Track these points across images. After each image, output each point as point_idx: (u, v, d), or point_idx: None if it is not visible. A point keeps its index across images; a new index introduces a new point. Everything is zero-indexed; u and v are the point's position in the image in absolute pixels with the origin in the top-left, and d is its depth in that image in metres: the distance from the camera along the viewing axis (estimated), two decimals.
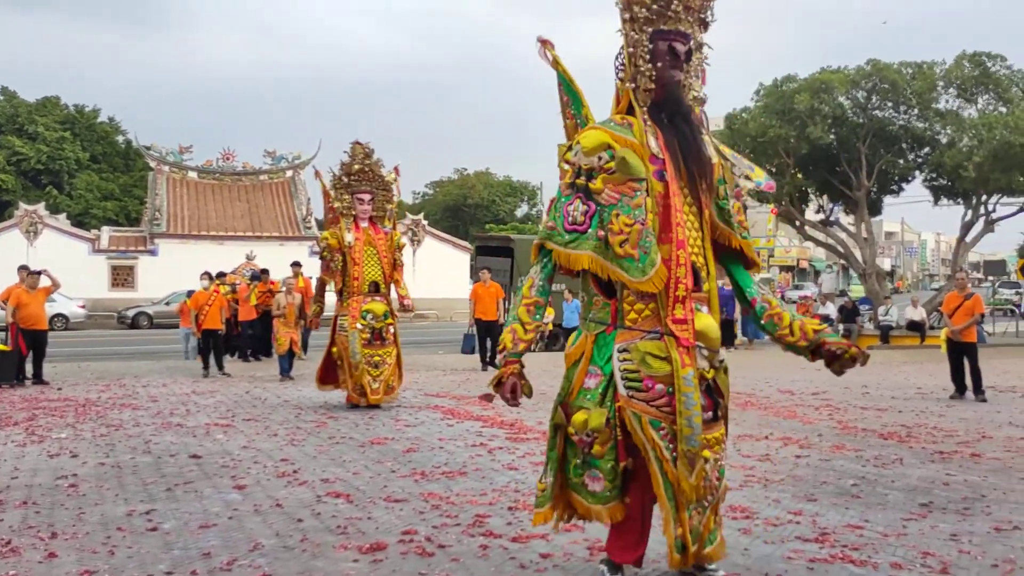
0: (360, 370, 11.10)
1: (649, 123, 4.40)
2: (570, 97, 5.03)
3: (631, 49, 4.49)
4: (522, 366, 4.32)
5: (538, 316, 4.36)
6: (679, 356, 4.15)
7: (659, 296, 4.22)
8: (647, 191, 4.24)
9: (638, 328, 4.25)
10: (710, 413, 4.26)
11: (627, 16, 4.50)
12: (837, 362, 4.50)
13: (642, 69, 4.43)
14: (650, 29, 4.43)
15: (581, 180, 4.29)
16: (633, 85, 4.51)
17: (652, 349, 4.19)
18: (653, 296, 4.22)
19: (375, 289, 11.40)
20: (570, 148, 4.45)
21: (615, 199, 4.20)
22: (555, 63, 5.05)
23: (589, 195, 4.26)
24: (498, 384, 4.26)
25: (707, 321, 4.30)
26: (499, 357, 4.39)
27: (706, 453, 4.19)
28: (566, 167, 4.43)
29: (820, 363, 4.56)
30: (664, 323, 4.21)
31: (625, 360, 4.23)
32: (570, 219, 4.29)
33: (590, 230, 4.24)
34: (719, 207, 4.53)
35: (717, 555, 4.40)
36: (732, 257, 4.65)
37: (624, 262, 4.16)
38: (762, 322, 4.56)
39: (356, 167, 11.66)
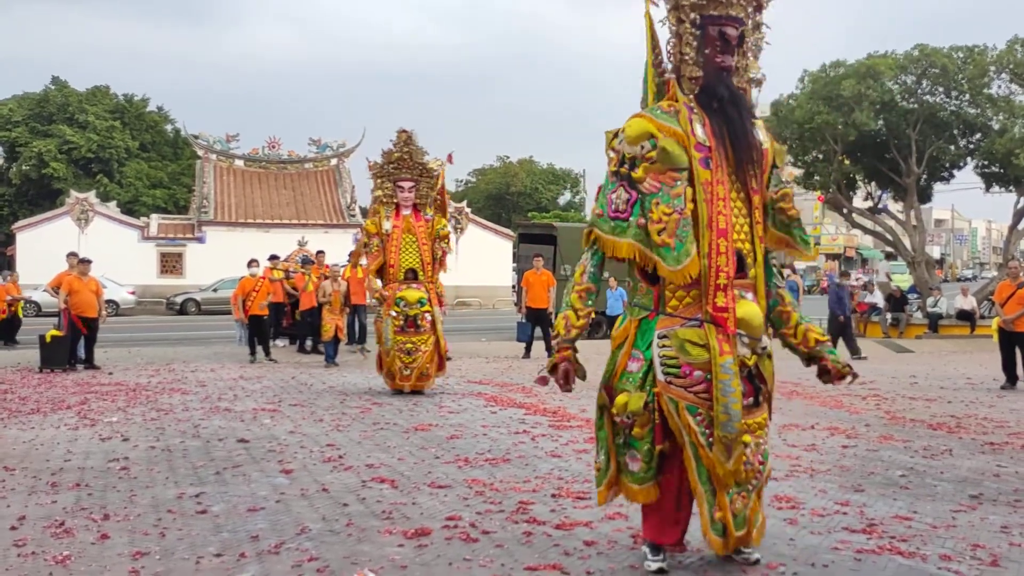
0: (391, 356, 11.20)
1: (696, 110, 4.40)
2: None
3: (675, 38, 4.50)
4: (575, 351, 4.48)
5: (590, 302, 4.47)
6: (718, 344, 4.21)
7: (701, 284, 4.27)
8: (689, 180, 4.28)
9: (679, 315, 4.33)
10: (751, 399, 4.33)
11: (671, 4, 4.51)
12: (827, 376, 4.64)
13: (687, 56, 4.44)
14: (697, 15, 4.42)
15: (624, 169, 4.37)
16: (674, 75, 4.54)
17: (691, 336, 4.26)
18: (695, 283, 4.28)
19: (412, 276, 11.44)
20: (616, 135, 4.49)
21: (656, 188, 4.26)
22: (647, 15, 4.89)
23: (632, 184, 4.33)
24: (552, 369, 4.46)
25: (749, 308, 4.32)
26: (553, 342, 4.53)
27: (746, 438, 4.25)
28: (612, 155, 4.49)
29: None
30: (705, 311, 4.27)
31: (665, 346, 4.32)
32: (613, 207, 4.38)
33: (631, 218, 4.32)
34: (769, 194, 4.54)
35: (757, 539, 4.49)
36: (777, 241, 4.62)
37: (661, 251, 4.22)
38: (770, 316, 4.59)
39: (396, 155, 11.69)
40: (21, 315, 19.65)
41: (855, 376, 4.66)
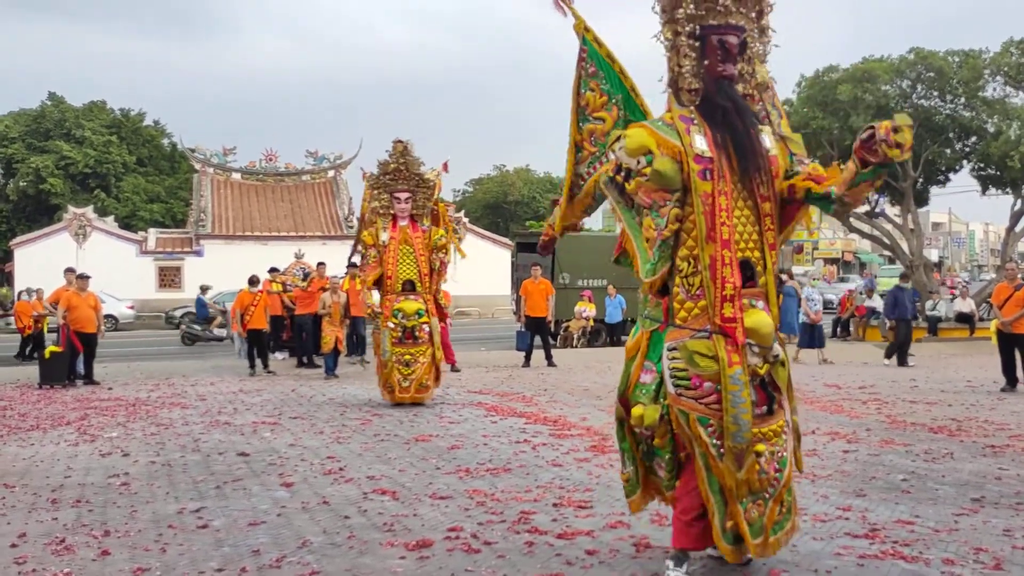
0: (389, 368, 11.17)
1: (697, 121, 4.40)
2: (600, 69, 4.96)
3: (671, 51, 4.51)
4: None
5: None
6: (726, 355, 4.22)
7: (707, 295, 4.24)
8: (680, 201, 4.31)
9: (687, 327, 4.34)
10: (764, 407, 4.33)
11: (666, 17, 4.51)
12: (881, 146, 4.15)
13: (684, 69, 4.44)
14: (696, 26, 4.42)
15: (620, 177, 4.45)
16: (670, 89, 4.56)
17: (699, 348, 4.27)
18: (702, 295, 4.29)
19: (410, 288, 11.43)
20: (618, 139, 4.52)
21: (648, 204, 4.34)
22: (580, 28, 5.01)
23: (622, 194, 4.46)
24: None
25: (759, 317, 4.32)
26: None
27: (760, 447, 4.25)
28: (611, 157, 4.55)
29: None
30: (712, 322, 4.27)
31: (674, 359, 4.33)
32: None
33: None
34: (789, 181, 4.51)
35: (779, 544, 4.46)
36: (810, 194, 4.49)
37: (643, 253, 4.39)
38: (832, 196, 4.35)
39: (393, 166, 11.68)
40: (47, 331, 19.24)
41: (899, 123, 4.22)
